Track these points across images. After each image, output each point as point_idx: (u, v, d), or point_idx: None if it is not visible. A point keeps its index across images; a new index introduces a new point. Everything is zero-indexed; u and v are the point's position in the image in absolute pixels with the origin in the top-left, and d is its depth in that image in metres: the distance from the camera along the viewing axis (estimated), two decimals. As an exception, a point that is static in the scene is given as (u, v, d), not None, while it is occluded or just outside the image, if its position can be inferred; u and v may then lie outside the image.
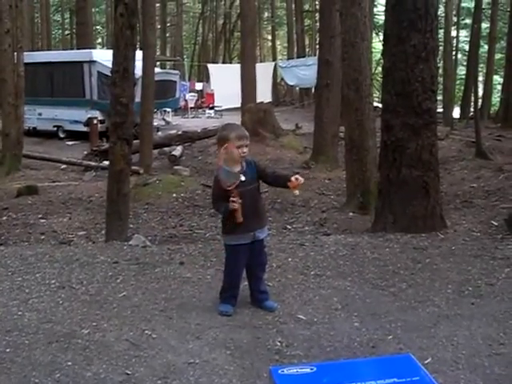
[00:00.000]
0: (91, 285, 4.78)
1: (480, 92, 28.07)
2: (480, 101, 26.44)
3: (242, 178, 4.04)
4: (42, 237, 8.20)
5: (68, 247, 6.33)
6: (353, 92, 9.18)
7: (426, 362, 3.41)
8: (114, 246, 6.05)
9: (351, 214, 8.69)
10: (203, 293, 4.58)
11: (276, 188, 11.26)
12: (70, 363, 3.48)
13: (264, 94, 26.04)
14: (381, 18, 27.47)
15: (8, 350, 3.65)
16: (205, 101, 33.75)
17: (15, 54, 15.54)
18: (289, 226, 8.31)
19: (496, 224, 6.93)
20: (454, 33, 34.22)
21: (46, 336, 3.84)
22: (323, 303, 4.40)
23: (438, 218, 6.59)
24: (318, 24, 29.31)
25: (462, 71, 38.70)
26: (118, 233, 6.77)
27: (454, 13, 33.18)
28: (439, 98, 21.87)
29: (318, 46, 23.02)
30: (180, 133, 19.39)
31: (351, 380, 2.02)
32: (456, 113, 29.60)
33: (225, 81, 29.78)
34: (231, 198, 3.98)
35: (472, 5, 30.29)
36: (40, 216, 9.72)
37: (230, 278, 4.28)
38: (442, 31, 25.79)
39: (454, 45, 34.36)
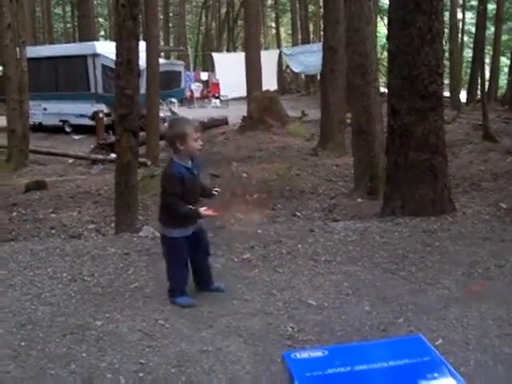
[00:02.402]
0: (103, 277, 4.82)
1: (487, 74, 27.90)
2: (487, 83, 26.29)
3: (195, 174, 4.12)
4: (52, 231, 8.25)
5: (78, 240, 6.36)
6: (358, 77, 9.16)
7: (437, 343, 3.43)
8: (124, 238, 6.08)
9: (360, 199, 8.69)
10: (215, 278, 4.60)
11: (285, 176, 11.31)
12: (84, 354, 3.52)
13: (269, 81, 25.99)
14: (385, 2, 27.31)
15: (23, 344, 3.69)
16: (210, 90, 33.73)
17: (17, 49, 15.55)
18: (298, 213, 8.32)
19: (505, 206, 6.93)
20: (460, 15, 33.95)
21: (60, 329, 3.88)
22: (334, 288, 4.42)
23: (447, 201, 6.59)
24: (322, 10, 29.20)
25: (468, 54, 38.46)
26: (127, 225, 6.80)
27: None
28: (446, 81, 21.76)
29: (322, 33, 22.95)
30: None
31: (363, 362, 2.04)
32: (463, 96, 29.45)
33: (230, 70, 29.74)
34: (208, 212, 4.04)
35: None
36: (49, 211, 9.77)
37: (180, 270, 4.26)
38: (447, 13, 25.63)
39: (460, 27, 34.11)
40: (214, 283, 4.42)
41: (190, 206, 4.05)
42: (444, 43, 7.32)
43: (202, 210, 4.06)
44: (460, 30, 33.61)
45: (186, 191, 4.03)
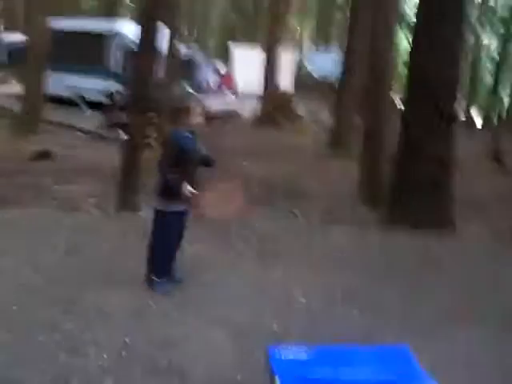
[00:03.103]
0: (98, 252, 4.84)
1: (506, 99, 27.82)
2: (506, 107, 26.20)
3: (196, 145, 4.22)
4: (54, 202, 8.25)
5: (78, 214, 6.38)
6: (374, 83, 9.13)
7: (422, 356, 3.42)
8: (124, 216, 6.10)
9: (361, 205, 8.66)
10: (209, 269, 4.61)
11: (289, 175, 11.28)
12: (71, 325, 3.54)
13: (286, 80, 25.93)
14: (409, 14, 27.22)
15: (15, 308, 3.73)
16: (225, 83, 33.67)
17: (42, 19, 15.54)
18: (298, 213, 8.30)
19: (505, 227, 6.91)
20: (485, 40, 33.78)
21: (51, 298, 3.91)
22: (325, 291, 4.43)
23: (449, 217, 6.58)
24: (342, 12, 29.12)
25: (487, 77, 38.30)
26: (128, 203, 6.81)
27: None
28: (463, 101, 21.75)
29: (342, 36, 22.89)
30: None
31: (346, 368, 2.05)
32: (478, 118, 29.36)
33: (247, 65, 29.65)
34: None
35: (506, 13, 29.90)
36: (53, 181, 9.76)
37: (167, 253, 4.27)
38: (472, 37, 25.55)
39: (484, 51, 33.95)
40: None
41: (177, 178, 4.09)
42: (466, 64, 7.31)
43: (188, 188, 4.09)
44: (483, 54, 33.44)
45: (183, 162, 4.08)
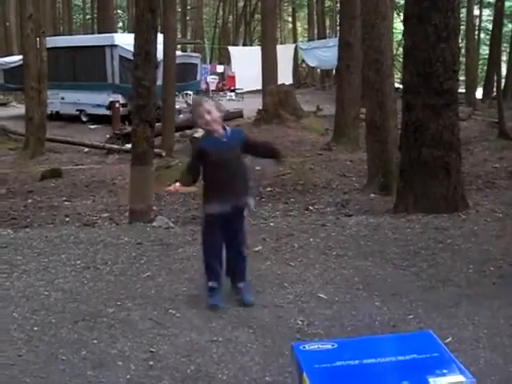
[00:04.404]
0: (116, 265, 4.86)
1: (503, 72, 27.70)
2: (503, 81, 26.10)
3: (224, 142, 4.04)
4: (67, 219, 8.31)
5: (92, 229, 6.43)
6: (374, 73, 9.12)
7: (447, 341, 3.42)
8: (138, 228, 6.13)
9: (372, 195, 8.67)
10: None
11: (298, 170, 11.30)
12: (95, 341, 3.56)
13: (285, 75, 25.90)
14: (403, -2, 27.16)
15: (36, 329, 3.75)
16: (226, 83, 33.71)
17: (38, 39, 15.64)
18: (311, 207, 8.32)
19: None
20: (476, 11, 33.65)
21: (72, 315, 3.93)
22: (345, 283, 4.43)
23: (460, 199, 6.57)
24: (338, 5, 29.07)
25: (485, 51, 38.14)
26: (141, 214, 6.85)
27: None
28: (461, 78, 21.61)
29: (338, 28, 22.89)
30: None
31: (372, 355, 2.05)
32: (479, 93, 29.22)
33: (246, 63, 29.73)
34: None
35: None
36: (64, 198, 9.84)
37: (210, 254, 4.16)
38: (464, 10, 25.42)
39: (477, 24, 33.82)
40: (243, 286, 4.17)
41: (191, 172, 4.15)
42: (460, 40, 7.29)
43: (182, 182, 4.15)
44: (477, 27, 33.30)
45: (211, 163, 4.00)
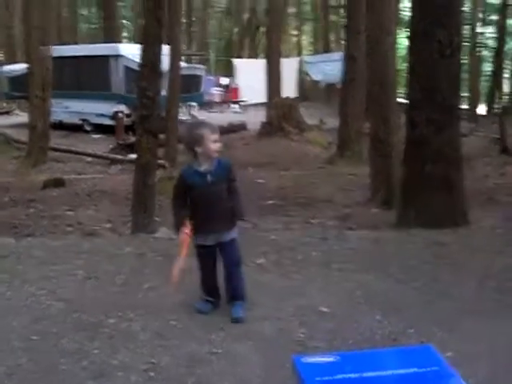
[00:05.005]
0: (117, 276, 4.87)
1: (506, 89, 27.80)
2: (506, 97, 26.18)
3: (208, 179, 3.93)
4: (69, 228, 8.33)
5: (94, 239, 6.44)
6: (378, 88, 9.18)
7: (447, 355, 3.42)
8: (140, 238, 6.14)
9: (375, 209, 8.70)
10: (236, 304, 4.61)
11: (301, 183, 11.31)
12: (96, 351, 3.56)
13: (289, 89, 26.01)
14: (406, 14, 27.24)
15: (36, 338, 3.75)
16: (230, 95, 33.83)
17: (43, 47, 15.71)
18: (312, 221, 8.34)
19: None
20: (480, 29, 33.80)
21: (73, 325, 3.93)
22: (346, 296, 4.44)
23: (461, 214, 6.58)
24: (343, 19, 29.20)
25: (487, 68, 38.28)
26: (143, 225, 6.86)
27: (481, 9, 32.77)
28: (464, 94, 21.69)
29: (343, 42, 22.98)
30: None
31: (372, 369, 2.06)
32: (482, 109, 29.30)
33: (250, 76, 29.85)
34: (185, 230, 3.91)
35: (498, 1, 29.95)
36: (66, 208, 9.86)
37: (203, 276, 4.20)
38: (467, 27, 25.55)
39: (480, 41, 33.97)
40: (235, 304, 4.13)
41: (179, 213, 3.96)
42: (463, 56, 7.33)
43: (184, 231, 3.91)
44: (480, 44, 33.46)
45: (193, 197, 3.94)
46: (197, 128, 4.06)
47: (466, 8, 25.81)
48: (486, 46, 37.56)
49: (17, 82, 24.11)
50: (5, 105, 31.02)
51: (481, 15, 34.01)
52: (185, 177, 4.01)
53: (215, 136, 3.96)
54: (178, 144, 15.98)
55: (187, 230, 3.91)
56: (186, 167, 4.06)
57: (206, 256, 4.13)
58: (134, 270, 5.00)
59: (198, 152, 3.95)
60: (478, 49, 31.94)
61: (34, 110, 15.85)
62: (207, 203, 3.93)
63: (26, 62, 17.95)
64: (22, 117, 22.03)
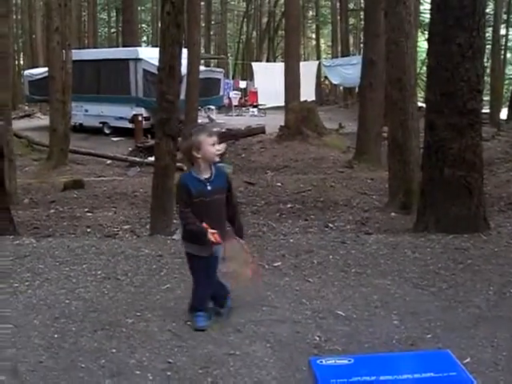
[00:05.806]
0: (136, 276, 4.91)
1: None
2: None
3: (208, 188, 3.82)
4: (88, 230, 8.40)
5: (113, 240, 6.49)
6: (397, 91, 9.14)
7: (465, 361, 3.41)
8: (159, 240, 6.18)
9: (393, 213, 8.66)
10: (245, 288, 4.64)
11: (319, 187, 11.31)
12: (114, 350, 3.60)
13: (308, 92, 26.00)
14: (427, 17, 27.13)
15: (56, 336, 3.80)
16: (248, 99, 33.89)
17: (63, 51, 15.88)
18: (330, 225, 8.33)
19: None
20: (503, 31, 33.47)
21: (92, 324, 3.98)
22: (363, 300, 4.43)
23: (481, 220, 6.52)
24: (362, 23, 29.15)
25: (510, 71, 37.93)
26: (162, 227, 6.90)
27: (504, 10, 32.41)
28: (486, 98, 21.53)
29: (362, 45, 22.93)
30: (224, 130, 19.45)
31: (388, 372, 2.06)
32: (504, 114, 29.03)
33: (269, 79, 29.89)
34: (210, 231, 3.73)
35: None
36: (86, 209, 9.95)
37: (200, 288, 4.02)
38: (490, 29, 25.36)
39: (503, 43, 33.65)
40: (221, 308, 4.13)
41: (194, 221, 3.76)
42: (486, 60, 7.27)
43: (211, 231, 3.73)
44: (503, 47, 33.14)
45: (194, 204, 3.78)
46: (194, 133, 3.90)
47: (489, 9, 25.59)
48: (509, 49, 37.24)
49: (38, 85, 24.38)
50: (27, 108, 31.35)
51: (505, 16, 33.62)
52: (188, 185, 3.81)
53: (213, 139, 3.83)
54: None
55: (211, 229, 3.75)
56: (186, 175, 3.93)
57: (201, 267, 3.96)
58: (152, 271, 5.04)
59: (197, 157, 3.82)
60: (501, 51, 31.65)
61: (54, 113, 16.03)
62: (206, 213, 3.80)
63: (47, 66, 18.15)
64: (44, 120, 22.26)
